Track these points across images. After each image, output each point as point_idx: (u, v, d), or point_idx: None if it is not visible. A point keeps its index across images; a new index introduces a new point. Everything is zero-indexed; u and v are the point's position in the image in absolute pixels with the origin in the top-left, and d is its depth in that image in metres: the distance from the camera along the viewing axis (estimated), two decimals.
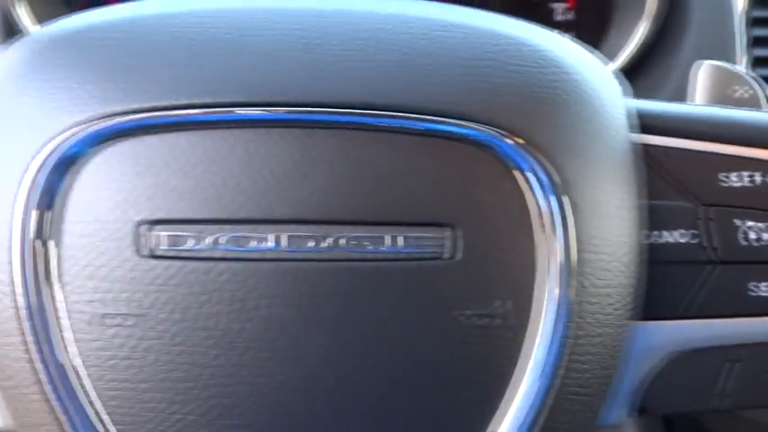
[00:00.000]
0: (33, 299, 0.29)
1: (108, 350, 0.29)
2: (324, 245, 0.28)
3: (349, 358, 0.29)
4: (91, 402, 0.29)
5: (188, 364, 0.29)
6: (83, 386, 0.29)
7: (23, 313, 0.29)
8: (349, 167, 0.28)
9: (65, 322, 0.29)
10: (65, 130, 0.28)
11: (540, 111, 0.29)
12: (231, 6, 0.32)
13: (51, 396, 0.29)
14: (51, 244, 0.29)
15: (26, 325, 0.29)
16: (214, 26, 0.30)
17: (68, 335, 0.29)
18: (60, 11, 0.81)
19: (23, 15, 0.74)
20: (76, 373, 0.29)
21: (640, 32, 0.74)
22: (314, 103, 0.28)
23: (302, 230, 0.28)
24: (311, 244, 0.28)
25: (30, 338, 0.29)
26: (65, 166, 0.28)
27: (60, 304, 0.29)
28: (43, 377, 0.29)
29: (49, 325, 0.29)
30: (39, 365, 0.29)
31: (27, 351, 0.29)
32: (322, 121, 0.28)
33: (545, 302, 0.29)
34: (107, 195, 0.28)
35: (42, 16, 0.77)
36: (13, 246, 0.28)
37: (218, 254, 0.28)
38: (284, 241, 0.28)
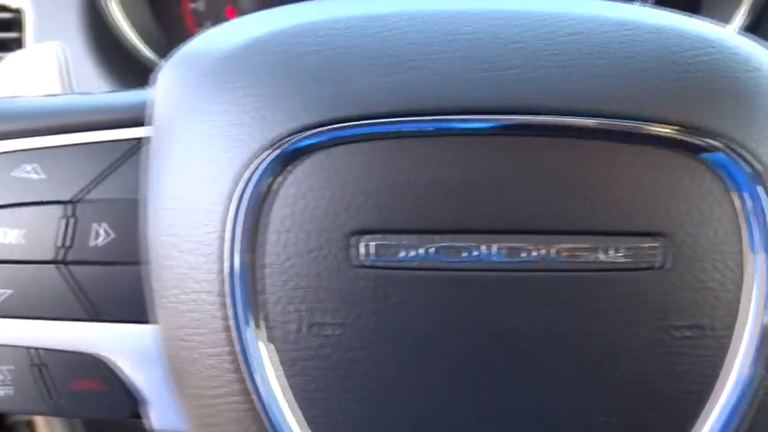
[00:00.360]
0: (240, 310, 0.28)
1: (312, 360, 0.29)
2: (536, 255, 0.28)
3: (559, 367, 0.28)
4: (292, 412, 0.29)
5: (394, 376, 0.28)
6: (285, 396, 0.29)
7: (231, 323, 0.28)
8: (563, 176, 0.28)
9: (271, 333, 0.29)
10: (273, 144, 0.28)
11: (754, 120, 0.28)
12: (412, 8, 0.31)
13: (257, 405, 0.29)
14: (259, 254, 0.28)
15: (234, 335, 0.28)
16: (414, 29, 0.29)
17: (273, 345, 0.29)
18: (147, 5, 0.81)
19: (114, 10, 0.74)
20: (280, 384, 0.29)
21: (737, 21, 0.72)
22: (534, 109, 0.27)
23: (515, 240, 0.28)
24: (524, 254, 0.28)
25: (237, 348, 0.28)
26: (273, 177, 0.28)
27: (266, 315, 0.29)
28: (250, 387, 0.29)
29: (256, 336, 0.29)
30: (245, 376, 0.29)
31: (234, 361, 0.29)
32: (541, 128, 0.27)
33: (750, 312, 0.29)
34: (317, 205, 0.28)
35: (130, 9, 0.77)
36: (224, 257, 0.28)
37: (428, 264, 0.28)
38: (496, 251, 0.28)
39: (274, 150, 0.28)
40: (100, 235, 0.32)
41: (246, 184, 0.28)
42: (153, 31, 0.80)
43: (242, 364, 0.29)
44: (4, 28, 0.77)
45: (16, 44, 0.77)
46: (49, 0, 0.74)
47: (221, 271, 0.28)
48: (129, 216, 0.32)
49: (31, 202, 0.31)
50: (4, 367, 0.32)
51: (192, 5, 0.84)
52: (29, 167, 0.31)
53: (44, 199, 0.31)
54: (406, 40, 0.29)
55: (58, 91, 0.40)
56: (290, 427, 0.29)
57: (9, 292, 0.31)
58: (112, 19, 0.75)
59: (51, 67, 0.39)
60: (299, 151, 0.28)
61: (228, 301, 0.28)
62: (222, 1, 0.84)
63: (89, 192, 0.32)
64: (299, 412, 0.29)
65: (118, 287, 0.32)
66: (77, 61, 0.76)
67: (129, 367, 0.33)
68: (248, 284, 0.28)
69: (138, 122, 0.32)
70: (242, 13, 0.83)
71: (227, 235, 0.28)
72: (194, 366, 0.30)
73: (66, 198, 0.32)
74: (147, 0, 0.80)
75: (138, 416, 0.34)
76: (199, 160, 0.29)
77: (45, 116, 0.32)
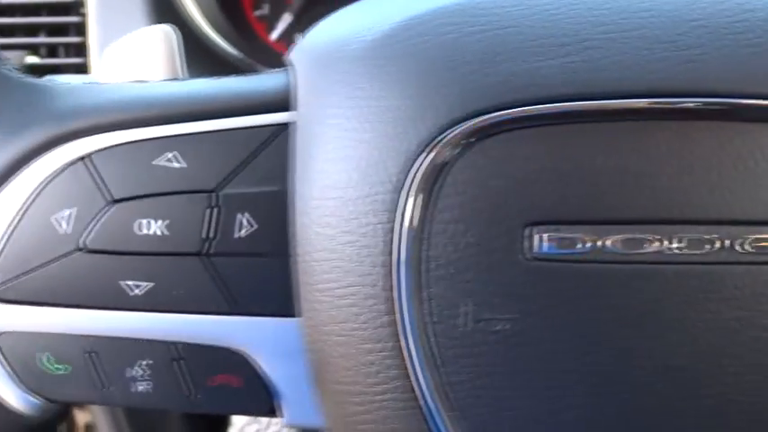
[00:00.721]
0: (405, 305, 0.27)
1: (479, 356, 0.27)
2: (721, 247, 0.26)
3: (743, 363, 0.27)
4: (453, 411, 0.28)
5: (567, 374, 0.27)
6: (446, 394, 0.28)
7: (397, 318, 0.27)
8: (757, 165, 0.26)
9: (435, 328, 0.27)
10: (443, 131, 0.26)
11: None
12: None
13: (420, 403, 0.28)
14: (427, 246, 0.27)
15: (400, 330, 0.27)
16: (584, 6, 0.28)
17: (436, 340, 0.27)
18: None
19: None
20: (441, 381, 0.28)
21: None
22: (727, 92, 0.25)
23: (700, 232, 0.26)
24: (708, 246, 0.26)
25: (402, 344, 0.27)
26: (444, 166, 0.27)
27: (431, 310, 0.27)
28: (414, 384, 0.27)
29: (419, 331, 0.27)
30: (410, 372, 0.27)
31: (397, 357, 0.27)
32: (737, 112, 0.26)
33: None
34: (490, 195, 0.26)
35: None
36: (393, 249, 0.27)
37: (607, 257, 0.26)
38: (679, 243, 0.26)
39: (444, 138, 0.26)
40: (243, 226, 0.30)
41: (416, 174, 0.27)
42: (214, 11, 0.79)
43: (406, 360, 0.27)
44: (63, 12, 0.76)
45: (76, 29, 0.75)
46: None
47: (386, 263, 0.27)
48: (271, 206, 0.30)
49: (175, 191, 0.30)
50: (142, 362, 0.31)
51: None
52: (169, 155, 0.30)
53: (186, 188, 0.30)
54: (577, 19, 0.27)
55: (173, 75, 0.38)
56: (450, 427, 0.28)
57: (150, 284, 0.30)
58: (182, 6, 0.74)
59: (165, 50, 0.38)
60: (470, 138, 0.26)
61: (395, 294, 0.27)
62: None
63: (231, 181, 0.30)
64: (460, 411, 0.28)
65: (259, 280, 0.31)
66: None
67: (266, 361, 0.32)
68: (414, 278, 0.27)
69: (279, 107, 0.31)
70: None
71: (396, 226, 0.27)
72: (349, 362, 0.28)
73: (210, 187, 0.30)
74: None
75: (273, 412, 0.33)
76: (358, 149, 0.28)
77: (182, 102, 0.31)
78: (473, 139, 0.26)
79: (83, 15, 0.74)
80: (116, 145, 0.30)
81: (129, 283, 0.30)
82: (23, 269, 0.30)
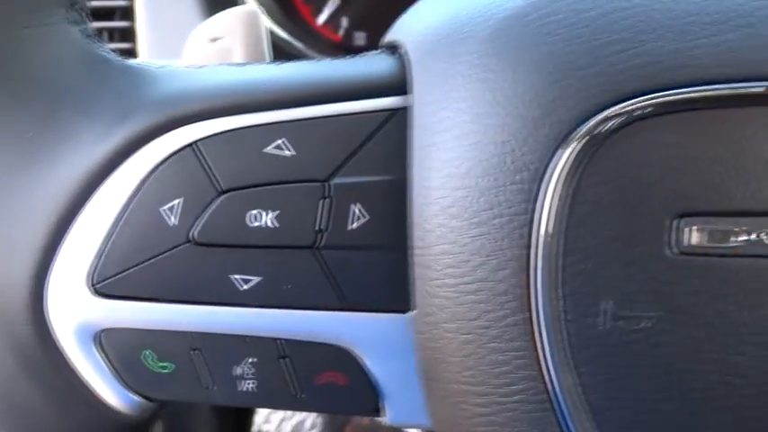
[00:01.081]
0: (540, 301, 0.26)
1: (617, 356, 0.26)
2: None
3: None
4: (585, 413, 0.26)
5: (716, 375, 0.25)
6: (583, 397, 0.26)
7: (533, 315, 0.26)
8: None
9: (570, 325, 0.26)
10: (586, 117, 0.25)
11: None
12: None
13: (553, 405, 0.26)
14: (564, 240, 0.25)
15: (536, 328, 0.26)
16: None
17: (575, 340, 0.26)
18: None
19: None
20: (582, 383, 0.26)
21: None
22: None
23: None
24: None
25: (538, 343, 0.26)
26: (586, 153, 0.25)
27: (565, 306, 0.26)
28: (549, 385, 0.26)
29: (553, 329, 0.26)
30: (544, 372, 0.26)
31: (529, 357, 0.26)
32: None
33: None
34: (636, 184, 0.25)
35: None
36: (531, 243, 0.25)
37: (763, 251, 0.25)
38: None
39: (587, 125, 0.25)
40: (356, 217, 0.29)
41: (556, 163, 0.25)
42: (268, 2, 0.77)
43: (540, 360, 0.26)
44: None
45: (122, 13, 0.74)
46: None
47: (520, 258, 0.25)
48: (384, 196, 0.29)
49: (286, 181, 0.28)
50: (249, 360, 0.30)
51: None
52: (279, 143, 0.29)
53: (297, 178, 0.29)
54: None
55: (260, 58, 0.37)
56: (582, 430, 0.26)
57: (258, 279, 0.29)
58: None
59: (252, 33, 0.36)
60: (615, 125, 0.25)
61: (532, 291, 0.25)
62: None
63: (343, 169, 0.29)
64: (594, 414, 0.26)
65: (370, 274, 0.29)
66: (190, 26, 0.73)
67: (373, 358, 0.30)
68: (551, 273, 0.25)
69: (391, 91, 0.29)
70: None
71: (535, 217, 0.25)
72: (473, 361, 0.27)
73: (322, 177, 0.29)
74: None
75: (377, 411, 0.31)
76: (489, 136, 0.26)
77: (291, 86, 0.29)
78: (619, 126, 0.25)
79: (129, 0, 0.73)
80: (224, 132, 0.28)
81: (239, 277, 0.29)
82: (129, 263, 0.28)
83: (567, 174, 0.25)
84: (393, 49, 0.32)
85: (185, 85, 0.29)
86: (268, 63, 0.32)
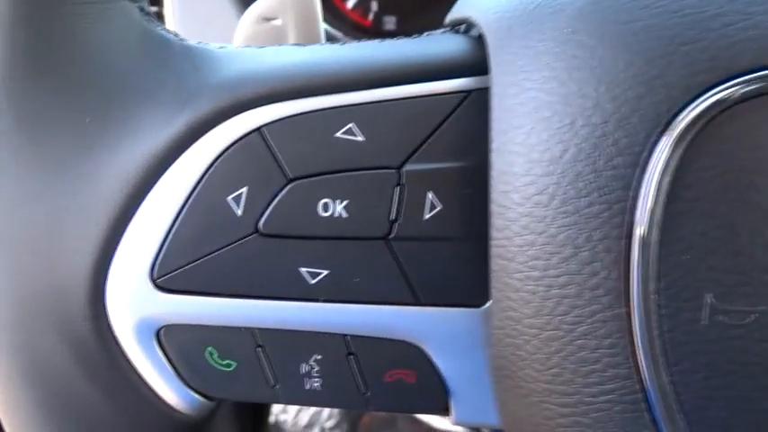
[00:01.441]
0: (637, 295, 0.24)
1: (717, 353, 0.24)
2: None
3: None
4: (682, 414, 0.25)
5: None
6: (678, 396, 0.24)
7: (633, 310, 0.24)
8: None
9: (672, 320, 0.24)
10: (692, 98, 0.23)
11: None
12: None
13: (652, 406, 0.25)
14: (662, 229, 0.24)
15: (635, 324, 0.24)
16: None
17: (673, 335, 0.24)
18: None
19: None
20: (677, 381, 0.24)
21: None
22: None
23: None
24: None
25: (637, 339, 0.24)
26: (691, 138, 0.23)
27: (661, 301, 0.24)
28: (647, 384, 0.24)
29: (647, 325, 0.24)
30: (643, 371, 0.24)
31: (627, 355, 0.24)
32: None
33: None
34: (747, 168, 0.23)
35: None
36: (633, 233, 0.24)
37: None
38: None
39: (692, 104, 0.23)
40: (430, 207, 0.27)
41: (658, 147, 0.23)
42: None
43: (638, 357, 0.24)
44: None
45: None
46: None
47: (616, 249, 0.24)
48: (457, 183, 0.27)
49: (357, 168, 0.27)
50: (316, 356, 0.28)
51: None
52: (348, 127, 0.27)
53: (369, 164, 0.27)
54: None
55: (314, 40, 0.35)
56: (676, 430, 0.25)
57: (325, 272, 0.27)
58: None
59: (307, 14, 0.34)
60: (723, 104, 0.23)
61: (632, 284, 0.24)
62: None
63: (416, 155, 0.27)
64: (689, 414, 0.25)
65: (442, 266, 0.28)
66: (220, 10, 0.71)
67: (442, 354, 0.28)
68: (650, 265, 0.24)
69: (465, 72, 0.28)
70: None
71: (638, 205, 0.23)
72: (558, 358, 0.25)
73: (395, 163, 0.27)
74: None
75: (447, 410, 0.30)
76: (583, 118, 0.24)
77: (360, 67, 0.28)
78: (727, 105, 0.23)
79: None
80: (290, 116, 0.27)
81: (307, 270, 0.27)
82: (193, 256, 0.27)
83: (669, 158, 0.23)
84: (463, 26, 0.30)
85: (249, 66, 0.27)
86: (332, 44, 0.30)
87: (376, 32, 0.79)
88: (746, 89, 0.23)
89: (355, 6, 0.79)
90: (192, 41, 0.28)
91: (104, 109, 0.26)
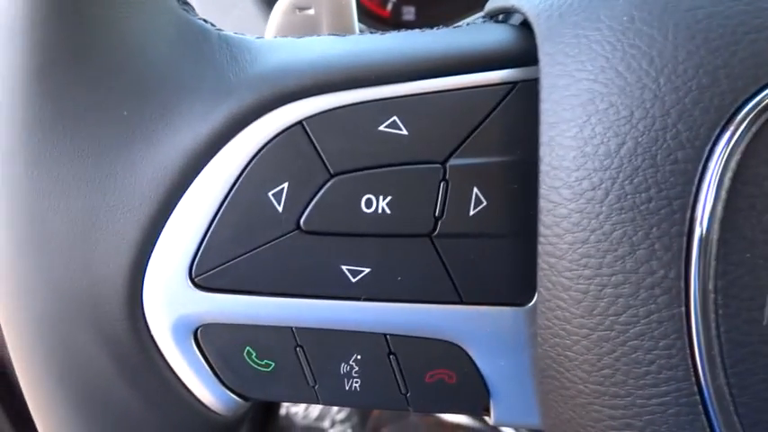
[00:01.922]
0: (698, 294, 0.23)
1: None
2: None
3: None
4: (738, 417, 0.24)
5: None
6: (734, 399, 0.24)
7: (692, 310, 0.23)
8: None
9: (731, 321, 0.23)
10: (755, 93, 0.22)
11: None
12: None
13: (708, 409, 0.24)
14: (722, 226, 0.23)
15: (694, 326, 0.23)
16: None
17: (731, 336, 0.23)
18: None
19: None
20: (734, 384, 0.23)
21: None
22: None
23: None
24: None
25: (695, 342, 0.23)
26: (753, 134, 0.22)
27: (720, 301, 0.23)
28: (705, 387, 0.23)
29: (716, 324, 0.23)
30: (701, 373, 0.23)
31: (684, 357, 0.23)
32: None
33: None
34: None
35: None
36: (694, 229, 0.23)
37: None
38: None
39: (757, 96, 0.22)
40: (476, 203, 0.26)
41: (721, 141, 0.22)
42: None
43: (696, 359, 0.23)
44: None
45: None
46: None
47: (674, 247, 0.23)
48: (503, 178, 0.26)
49: (401, 163, 0.26)
50: (356, 356, 0.27)
51: None
52: (391, 121, 0.26)
53: (413, 159, 0.26)
54: None
55: (348, 30, 0.34)
56: None
57: (367, 270, 0.26)
58: None
59: (340, 3, 0.33)
60: None
61: (692, 283, 0.23)
62: None
63: (460, 149, 0.26)
64: (744, 417, 0.24)
65: (487, 264, 0.27)
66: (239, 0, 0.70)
67: (483, 354, 0.28)
68: (710, 264, 0.23)
69: (510, 63, 0.27)
70: None
71: (697, 200, 0.22)
72: (610, 360, 0.24)
73: (439, 158, 0.26)
74: None
75: (487, 410, 0.29)
76: (641, 111, 0.23)
77: (402, 58, 0.27)
78: None
79: None
80: (332, 109, 0.26)
81: (349, 267, 0.26)
82: (232, 254, 0.26)
83: (732, 152, 0.22)
84: (505, 15, 0.29)
85: (290, 57, 0.27)
86: (372, 34, 0.29)
87: (395, 23, 0.78)
88: None
89: None
90: (229, 32, 0.27)
91: (142, 101, 0.25)
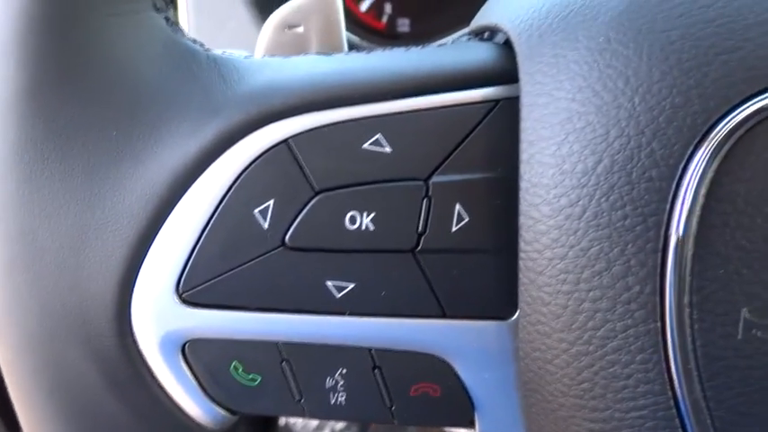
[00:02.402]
0: (674, 309, 0.23)
1: (751, 370, 0.24)
2: None
3: None
4: (716, 429, 0.24)
5: None
6: (710, 413, 0.24)
7: (667, 325, 0.23)
8: None
9: (706, 336, 0.24)
10: (730, 109, 0.22)
11: None
12: None
13: (684, 423, 0.24)
14: (696, 242, 0.23)
15: (669, 340, 0.24)
16: None
17: (707, 350, 0.24)
18: None
19: None
20: (709, 397, 0.24)
21: None
22: None
23: None
24: None
25: (671, 355, 0.24)
26: (727, 150, 0.23)
27: (702, 315, 0.24)
28: (682, 402, 0.24)
29: (692, 339, 0.24)
30: (677, 387, 0.24)
31: (660, 371, 0.24)
32: None
33: None
34: None
35: None
36: (668, 250, 0.23)
37: None
38: None
39: (729, 115, 0.22)
40: (458, 219, 0.27)
41: (694, 158, 0.23)
42: None
43: (673, 373, 0.24)
44: None
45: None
46: None
47: (649, 264, 0.23)
48: (485, 195, 0.27)
49: (384, 179, 0.26)
50: (341, 370, 0.28)
51: None
52: (376, 138, 0.27)
53: (396, 176, 0.27)
54: None
55: (336, 48, 0.35)
56: None
57: (352, 285, 0.27)
58: None
59: (328, 20, 0.34)
60: (762, 116, 0.22)
61: (667, 299, 0.23)
62: None
63: (443, 166, 0.27)
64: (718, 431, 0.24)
65: (470, 279, 0.27)
66: (234, 10, 0.71)
67: (468, 368, 0.28)
68: (685, 279, 0.23)
69: (493, 80, 0.27)
70: None
71: (671, 217, 0.23)
72: (588, 374, 0.25)
73: (422, 175, 0.27)
74: None
75: (473, 423, 0.29)
76: (617, 129, 0.24)
77: (387, 77, 0.27)
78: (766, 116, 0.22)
79: None
80: (317, 127, 0.26)
81: (334, 283, 0.27)
82: (219, 270, 0.26)
83: (706, 170, 0.23)
84: (489, 33, 0.30)
85: (276, 77, 0.27)
86: (358, 53, 0.29)
87: (390, 35, 0.79)
88: None
89: (369, 9, 0.79)
90: (218, 51, 0.28)
91: (131, 120, 0.26)
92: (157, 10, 0.26)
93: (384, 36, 0.78)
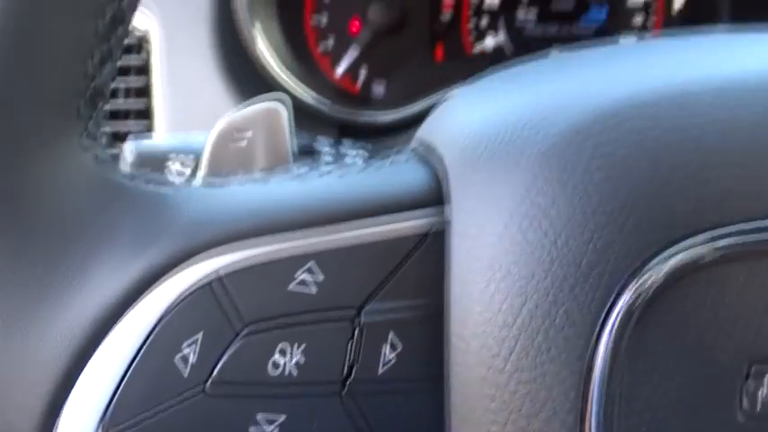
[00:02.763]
0: None
1: None
2: None
3: None
4: None
5: None
6: None
7: None
8: None
9: None
10: (655, 254, 0.22)
11: None
12: None
13: None
14: (623, 396, 0.23)
15: None
16: None
17: None
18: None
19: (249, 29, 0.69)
20: None
21: None
22: None
23: None
24: None
25: None
26: (654, 295, 0.22)
27: None
28: None
29: None
30: None
31: None
32: None
33: None
34: (706, 332, 0.22)
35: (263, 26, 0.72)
36: (588, 399, 0.23)
37: None
38: None
39: (648, 267, 0.22)
40: (388, 351, 0.26)
41: (614, 308, 0.23)
42: (280, 47, 0.75)
43: None
44: (123, 52, 0.73)
45: (137, 71, 0.72)
46: (179, 20, 0.70)
47: (573, 410, 0.23)
48: (417, 327, 0.27)
49: (315, 310, 0.26)
50: None
51: (314, 20, 0.79)
52: (308, 268, 0.26)
53: (326, 307, 0.26)
54: None
55: (280, 156, 0.35)
56: None
57: (282, 417, 0.26)
58: (248, 38, 0.70)
59: (274, 128, 0.34)
60: (682, 269, 0.22)
61: None
62: (346, 14, 0.79)
63: (375, 297, 0.27)
64: None
65: (402, 412, 0.27)
66: (207, 81, 0.71)
67: None
68: (610, 424, 0.23)
69: (428, 203, 0.27)
70: (368, 24, 0.78)
71: (593, 368, 0.23)
72: None
73: (354, 305, 0.26)
74: (277, 16, 0.75)
75: None
76: (542, 267, 0.23)
77: (316, 205, 0.27)
78: (692, 268, 0.22)
79: (146, 55, 0.71)
80: (246, 263, 0.26)
81: (263, 416, 0.26)
82: (140, 414, 0.26)
83: (627, 317, 0.23)
84: (426, 151, 0.30)
85: (205, 208, 0.27)
86: (292, 177, 0.29)
87: (363, 99, 0.79)
88: (707, 256, 0.22)
89: (344, 74, 0.79)
90: (149, 185, 0.28)
91: (58, 259, 0.25)
92: (85, 150, 0.26)
93: (357, 101, 0.79)
